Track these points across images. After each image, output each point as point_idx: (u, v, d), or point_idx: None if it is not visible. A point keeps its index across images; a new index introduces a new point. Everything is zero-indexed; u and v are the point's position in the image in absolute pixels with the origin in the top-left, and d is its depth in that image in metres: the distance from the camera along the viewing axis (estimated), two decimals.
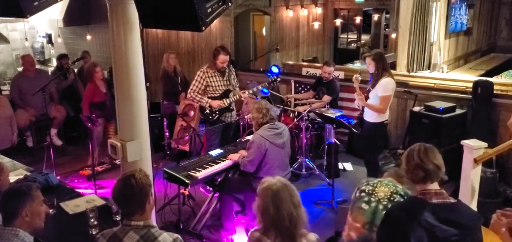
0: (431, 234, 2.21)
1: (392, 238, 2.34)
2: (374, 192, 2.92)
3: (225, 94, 5.31)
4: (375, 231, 2.76)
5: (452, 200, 2.32)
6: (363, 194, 2.95)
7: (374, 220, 2.81)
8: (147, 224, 2.34)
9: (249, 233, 2.45)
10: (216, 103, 5.25)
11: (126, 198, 2.31)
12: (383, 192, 2.90)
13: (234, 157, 4.39)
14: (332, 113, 5.35)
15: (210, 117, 5.30)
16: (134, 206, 2.32)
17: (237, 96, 5.39)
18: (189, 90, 5.32)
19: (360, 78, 5.04)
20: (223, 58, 5.17)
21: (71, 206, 3.44)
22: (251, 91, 5.62)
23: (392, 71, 5.26)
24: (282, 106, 6.31)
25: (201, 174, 4.12)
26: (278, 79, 5.81)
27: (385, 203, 2.82)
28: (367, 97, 4.94)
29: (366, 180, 3.10)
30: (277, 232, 2.28)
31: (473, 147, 3.77)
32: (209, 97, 5.27)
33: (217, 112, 5.29)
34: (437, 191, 2.31)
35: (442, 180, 2.37)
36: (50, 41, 9.49)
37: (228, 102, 5.31)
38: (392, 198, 2.84)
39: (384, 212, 2.75)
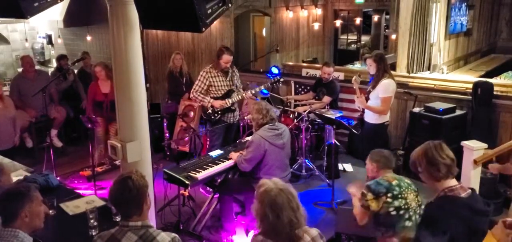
0: (467, 227, 2.29)
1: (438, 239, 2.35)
2: (408, 205, 3.01)
3: (228, 95, 5.30)
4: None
5: (470, 191, 2.40)
6: (401, 211, 3.00)
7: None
8: (145, 224, 2.34)
9: (252, 237, 2.41)
10: (217, 103, 5.24)
11: (124, 199, 2.31)
12: (413, 200, 3.04)
13: (234, 156, 4.40)
14: (332, 114, 5.35)
15: (212, 117, 5.29)
16: (132, 207, 2.32)
17: (240, 96, 5.39)
18: (192, 90, 5.33)
19: (359, 80, 5.04)
20: (227, 58, 5.19)
21: (71, 207, 3.44)
22: (253, 92, 5.61)
23: (392, 72, 5.27)
24: (282, 107, 6.31)
25: (201, 175, 4.12)
26: (281, 80, 5.79)
27: (419, 211, 3.00)
28: (367, 99, 4.94)
29: (377, 185, 3.07)
30: (278, 237, 2.25)
31: (473, 148, 3.78)
32: (211, 97, 5.26)
33: (219, 112, 5.28)
34: (461, 186, 2.38)
35: (456, 173, 2.44)
36: (50, 42, 9.49)
37: (230, 102, 5.30)
38: (419, 201, 3.03)
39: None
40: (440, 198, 2.46)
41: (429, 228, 2.45)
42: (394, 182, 3.08)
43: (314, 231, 2.39)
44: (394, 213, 3.01)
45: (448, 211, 2.33)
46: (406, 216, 3.02)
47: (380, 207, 3.02)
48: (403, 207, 3.01)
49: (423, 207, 3.01)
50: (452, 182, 2.40)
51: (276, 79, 5.67)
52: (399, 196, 3.02)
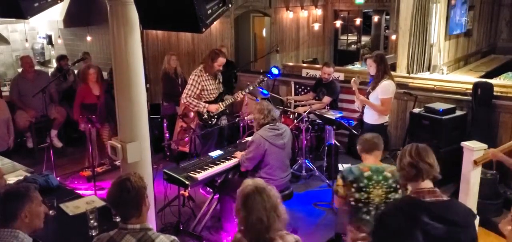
0: (425, 233, 2.22)
1: (388, 239, 2.34)
2: (370, 199, 3.12)
3: (220, 98, 5.26)
4: None
5: (445, 198, 2.33)
6: (360, 204, 3.15)
7: None
8: (143, 227, 2.32)
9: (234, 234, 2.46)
10: (214, 108, 5.16)
11: (122, 201, 2.29)
12: (378, 196, 3.11)
13: (239, 155, 4.41)
14: (332, 115, 5.35)
15: (210, 122, 5.20)
16: (130, 209, 2.30)
17: (232, 99, 5.32)
18: (184, 95, 5.12)
19: (358, 81, 5.04)
20: (222, 61, 5.10)
21: (71, 207, 3.44)
22: (246, 91, 5.54)
23: (392, 73, 5.26)
24: (282, 107, 6.31)
25: (201, 175, 4.12)
26: (265, 79, 5.70)
27: (383, 208, 3.06)
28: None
29: (349, 172, 3.20)
30: (250, 235, 2.29)
31: (473, 149, 3.77)
32: (204, 102, 5.15)
33: (215, 116, 5.25)
34: (430, 190, 2.33)
35: (435, 178, 2.39)
36: (50, 42, 9.49)
37: (224, 105, 5.25)
38: (387, 200, 3.07)
39: None
40: (400, 198, 2.48)
41: (376, 223, 2.50)
42: (366, 173, 3.16)
43: (292, 238, 2.34)
44: (352, 203, 3.17)
45: (404, 213, 2.29)
46: (364, 209, 3.14)
47: (345, 193, 3.19)
48: (363, 200, 3.13)
49: None
50: (424, 185, 2.36)
51: (261, 79, 5.60)
52: (364, 189, 3.13)
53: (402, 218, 2.27)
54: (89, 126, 5.68)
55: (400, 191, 3.11)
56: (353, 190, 3.15)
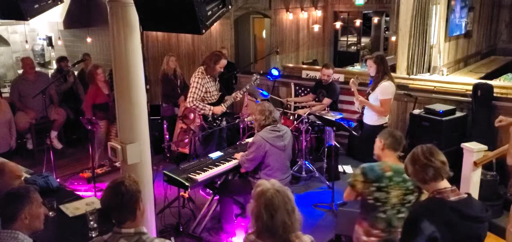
0: (454, 232, 2.25)
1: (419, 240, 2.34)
2: (388, 199, 3.08)
3: (221, 99, 5.27)
4: (393, 231, 3.07)
5: (465, 195, 2.37)
6: (378, 203, 3.10)
7: (391, 223, 3.09)
8: (138, 231, 2.30)
9: (244, 236, 2.42)
10: (219, 110, 5.17)
11: (116, 205, 2.27)
12: (396, 197, 3.07)
13: (238, 156, 4.41)
14: (332, 116, 5.35)
15: (215, 124, 5.20)
16: (125, 213, 2.28)
17: (232, 99, 5.32)
18: (189, 99, 5.09)
19: (357, 82, 5.04)
20: (223, 63, 5.13)
21: (71, 209, 3.44)
22: (243, 91, 5.53)
23: (392, 74, 5.27)
24: (282, 108, 6.31)
25: (201, 177, 4.12)
26: (258, 77, 5.67)
27: (398, 208, 3.06)
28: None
29: (371, 169, 3.12)
30: (270, 238, 2.25)
31: (473, 150, 3.77)
32: (206, 104, 5.16)
33: (220, 118, 5.26)
34: (452, 189, 2.36)
35: (448, 176, 2.41)
36: (50, 43, 9.49)
37: (226, 106, 5.27)
38: (404, 202, 3.06)
39: (399, 215, 3.06)
40: (426, 200, 2.48)
41: (409, 228, 2.47)
42: (388, 173, 3.11)
43: (307, 238, 2.33)
44: (371, 202, 3.12)
45: (431, 213, 2.29)
46: (381, 209, 3.11)
47: (363, 190, 3.13)
48: (381, 200, 3.09)
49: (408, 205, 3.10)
50: (443, 184, 2.37)
51: (255, 78, 5.56)
52: (384, 189, 3.08)
53: (431, 219, 2.27)
54: (89, 126, 5.69)
55: (415, 193, 3.09)
56: (373, 188, 3.09)
